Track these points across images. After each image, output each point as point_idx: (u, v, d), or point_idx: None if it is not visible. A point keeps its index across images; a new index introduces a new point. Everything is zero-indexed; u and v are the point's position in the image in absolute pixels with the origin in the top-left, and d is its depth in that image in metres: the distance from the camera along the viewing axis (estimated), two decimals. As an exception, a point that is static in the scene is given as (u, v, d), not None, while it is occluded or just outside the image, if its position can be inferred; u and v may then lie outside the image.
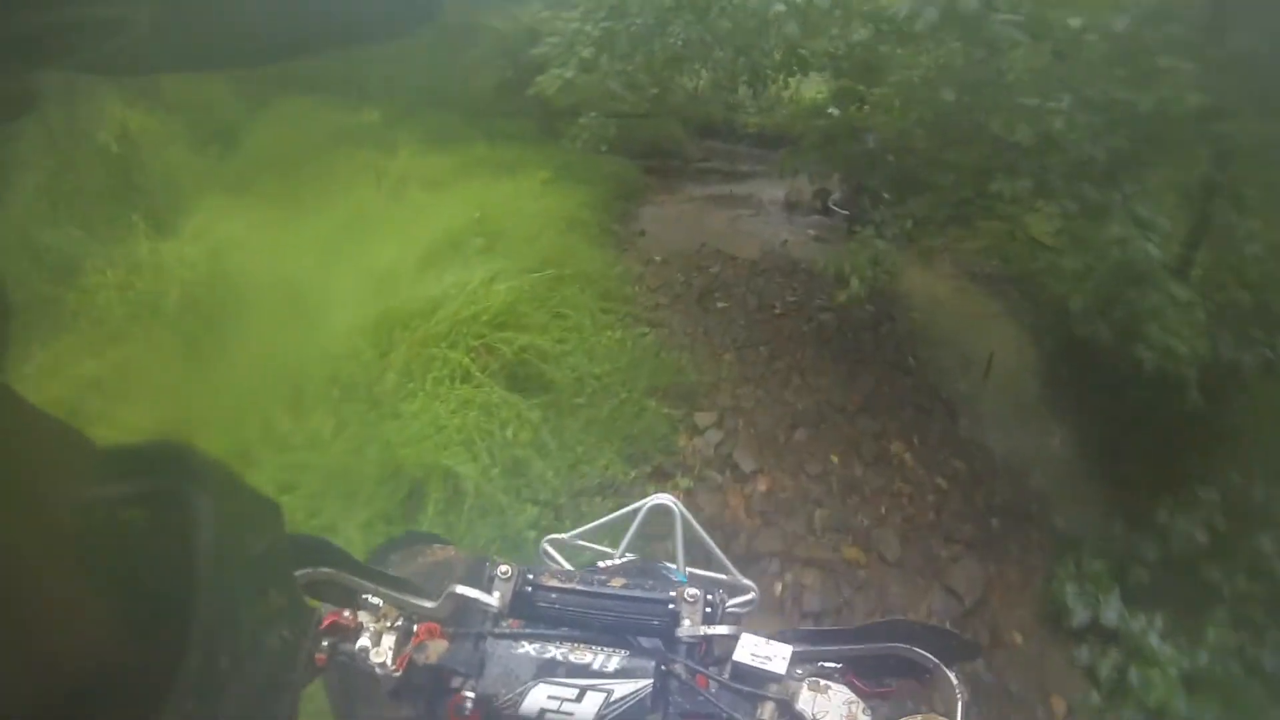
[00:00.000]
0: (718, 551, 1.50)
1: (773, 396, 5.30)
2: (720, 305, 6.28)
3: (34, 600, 0.35)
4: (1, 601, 0.34)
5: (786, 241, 7.74)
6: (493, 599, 1.04)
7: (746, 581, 1.51)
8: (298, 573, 0.95)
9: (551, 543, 1.57)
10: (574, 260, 5.97)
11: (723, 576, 1.51)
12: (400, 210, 6.37)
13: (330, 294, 4.93)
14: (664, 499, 1.46)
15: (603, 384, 4.97)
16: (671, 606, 1.05)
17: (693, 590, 1.05)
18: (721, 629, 1.05)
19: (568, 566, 1.51)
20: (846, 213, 7.74)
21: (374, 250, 5.43)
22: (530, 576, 1.08)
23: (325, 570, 0.99)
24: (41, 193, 5.63)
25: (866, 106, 6.22)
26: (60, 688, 0.36)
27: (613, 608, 1.05)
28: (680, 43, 6.30)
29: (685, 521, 1.43)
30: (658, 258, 7.03)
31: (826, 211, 8.40)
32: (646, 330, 5.73)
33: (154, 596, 0.41)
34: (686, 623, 1.03)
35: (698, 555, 1.49)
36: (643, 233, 7.74)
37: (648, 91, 8.28)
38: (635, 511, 1.47)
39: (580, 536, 1.58)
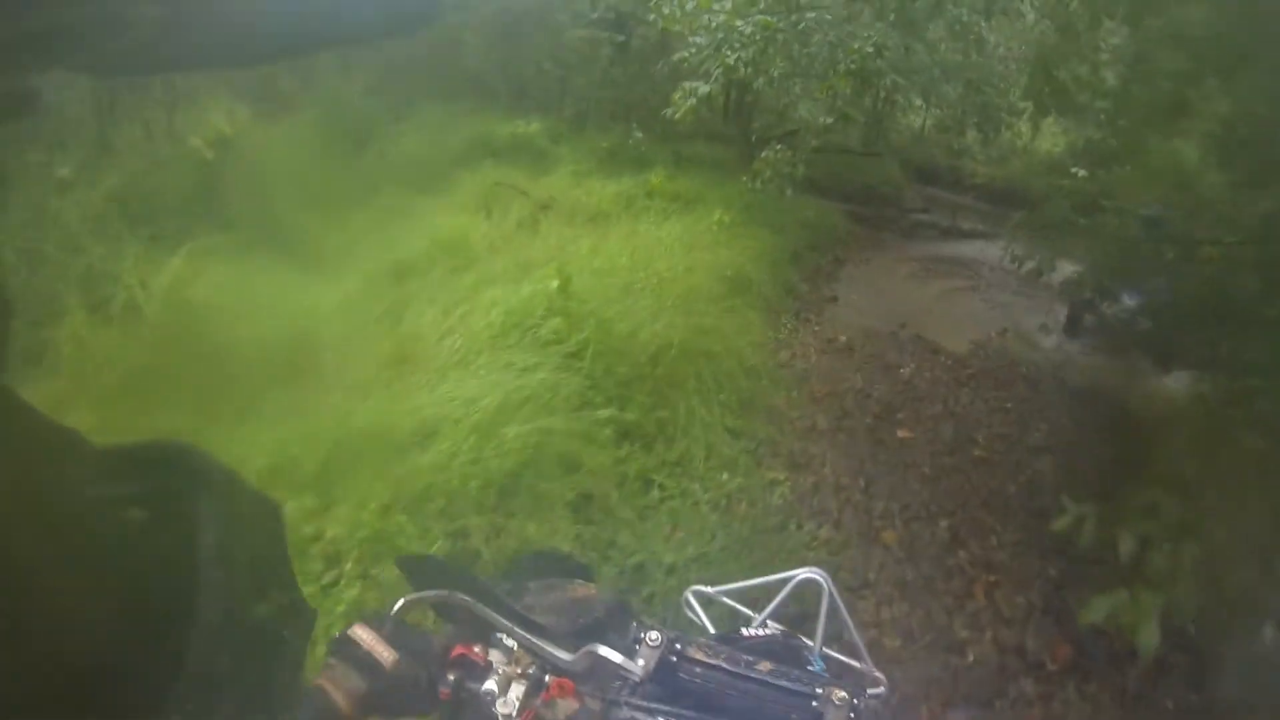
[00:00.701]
0: (856, 637, 1.47)
1: (934, 624, 3.15)
2: (901, 435, 4.47)
3: (36, 598, 0.36)
4: (3, 600, 0.34)
5: (1007, 331, 6.01)
6: (636, 666, 0.97)
7: (879, 674, 1.43)
8: (432, 593, 1.00)
9: (695, 594, 1.54)
10: (718, 339, 4.58)
11: (856, 664, 1.47)
12: (523, 246, 5.31)
13: (332, 374, 3.75)
14: (815, 573, 1.43)
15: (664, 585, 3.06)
16: (815, 705, 0.98)
17: (841, 694, 0.98)
18: None
19: (708, 623, 1.51)
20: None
21: (428, 308, 4.23)
22: (678, 646, 1.01)
23: (463, 598, 0.99)
24: (112, 199, 4.93)
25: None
26: (62, 684, 0.37)
27: (756, 694, 1.00)
28: (872, 48, 4.99)
29: (831, 601, 1.40)
30: (842, 338, 5.55)
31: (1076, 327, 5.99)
32: (781, 477, 3.85)
33: (155, 595, 0.41)
34: None
35: (835, 635, 1.44)
36: (834, 299, 6.32)
37: (856, 121, 7.19)
38: (785, 581, 1.44)
39: (725, 594, 1.55)
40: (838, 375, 5.03)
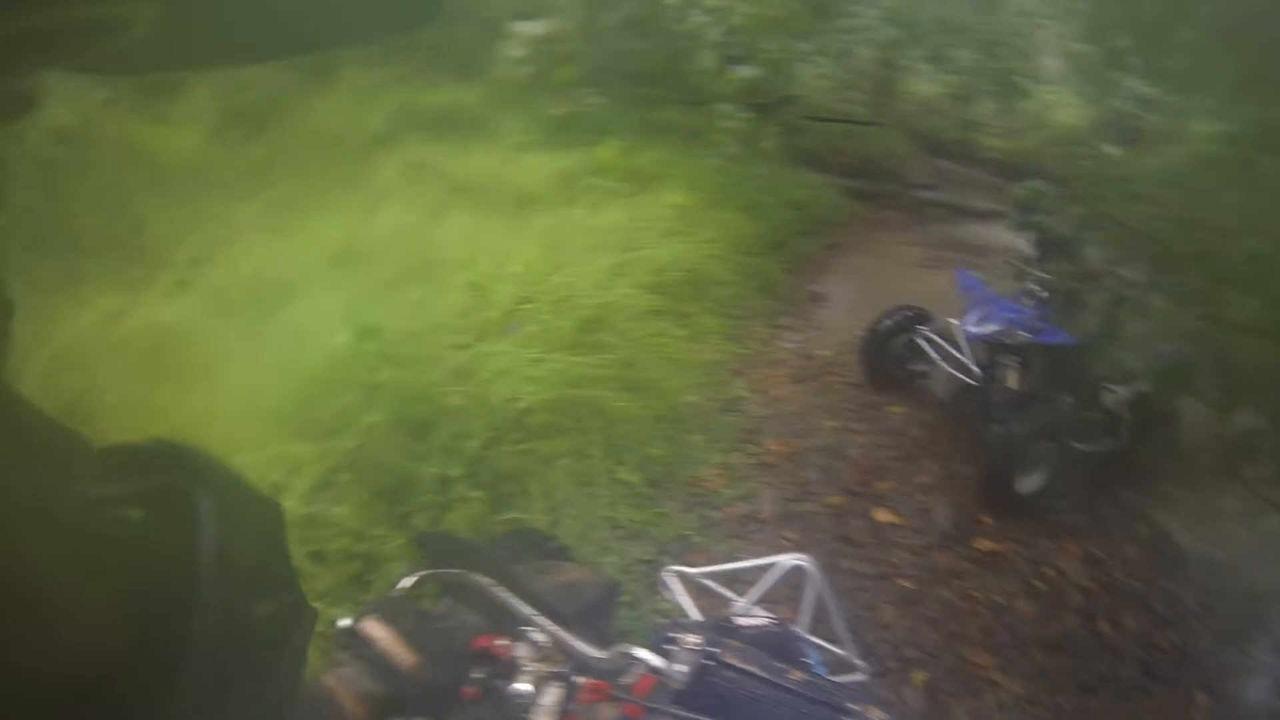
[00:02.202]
0: (842, 624, 1.44)
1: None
2: (880, 518, 3.27)
3: (34, 600, 0.35)
4: (2, 601, 0.34)
5: None
6: (675, 673, 0.94)
7: (859, 662, 1.43)
8: (447, 570, 1.01)
9: (674, 575, 1.47)
10: (634, 379, 3.52)
11: (838, 650, 1.42)
12: (419, 247, 4.24)
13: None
14: (803, 560, 1.42)
15: None
16: None
17: (880, 715, 0.96)
18: None
19: (689, 606, 1.43)
20: None
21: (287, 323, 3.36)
22: (715, 651, 0.98)
23: (480, 579, 0.97)
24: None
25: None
26: (60, 687, 0.36)
27: (791, 706, 0.96)
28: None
29: (817, 587, 1.41)
30: (823, 354, 4.42)
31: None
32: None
33: (154, 596, 0.40)
34: None
35: (817, 621, 1.41)
36: (822, 297, 5.19)
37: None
38: (770, 567, 1.43)
39: (707, 576, 1.50)
40: (804, 420, 3.86)
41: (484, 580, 0.97)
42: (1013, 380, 3.55)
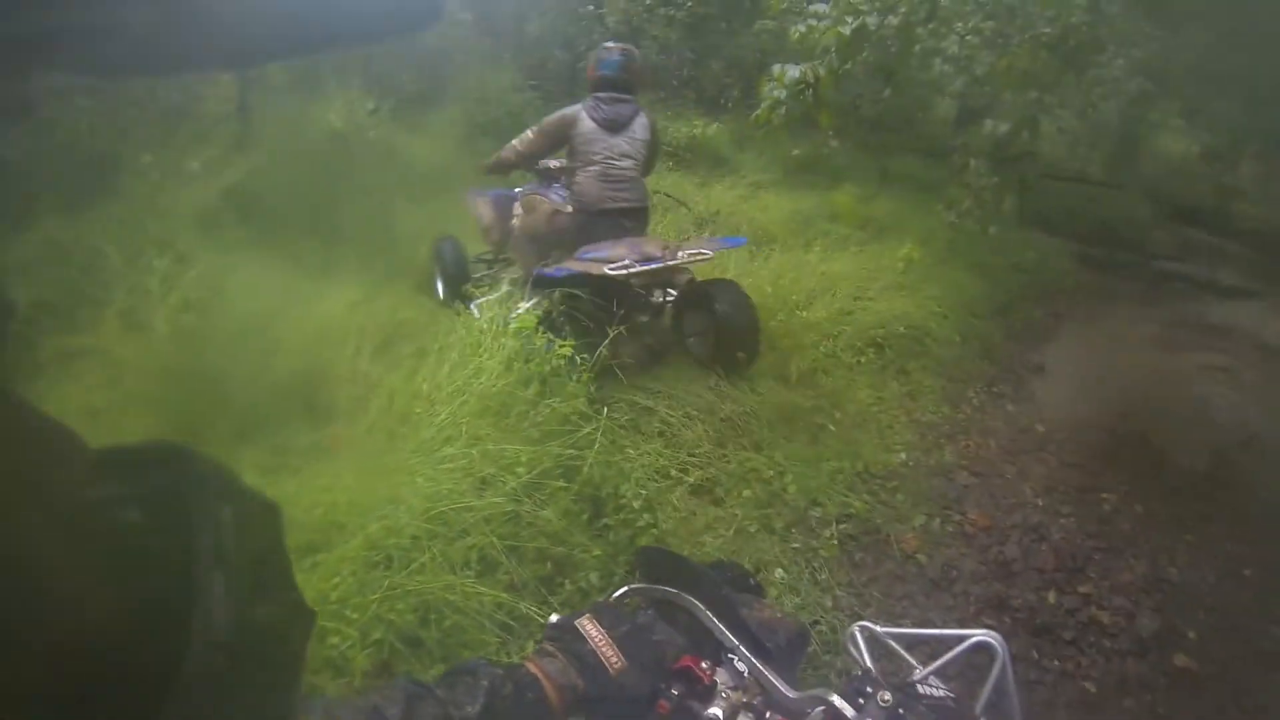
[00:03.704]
0: (1018, 715, 1.29)
1: None
2: (1077, 613, 3.07)
3: (32, 600, 0.35)
4: None
5: (1252, 442, 4.37)
6: None
7: None
8: (660, 588, 1.03)
9: (862, 631, 1.37)
10: (856, 423, 3.62)
11: None
12: None
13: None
14: (994, 639, 1.33)
15: None
16: None
17: None
18: None
19: (869, 663, 1.29)
20: None
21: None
22: (903, 713, 0.96)
23: (690, 600, 0.99)
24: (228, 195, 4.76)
25: None
26: (56, 689, 0.36)
27: None
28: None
29: (1002, 671, 1.29)
30: (1037, 427, 4.29)
31: None
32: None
33: (151, 599, 0.40)
34: None
35: (992, 706, 1.28)
36: (1041, 368, 5.08)
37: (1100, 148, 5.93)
38: (958, 639, 1.36)
39: (894, 637, 1.42)
40: (1011, 495, 3.75)
41: (694, 602, 0.99)
42: None
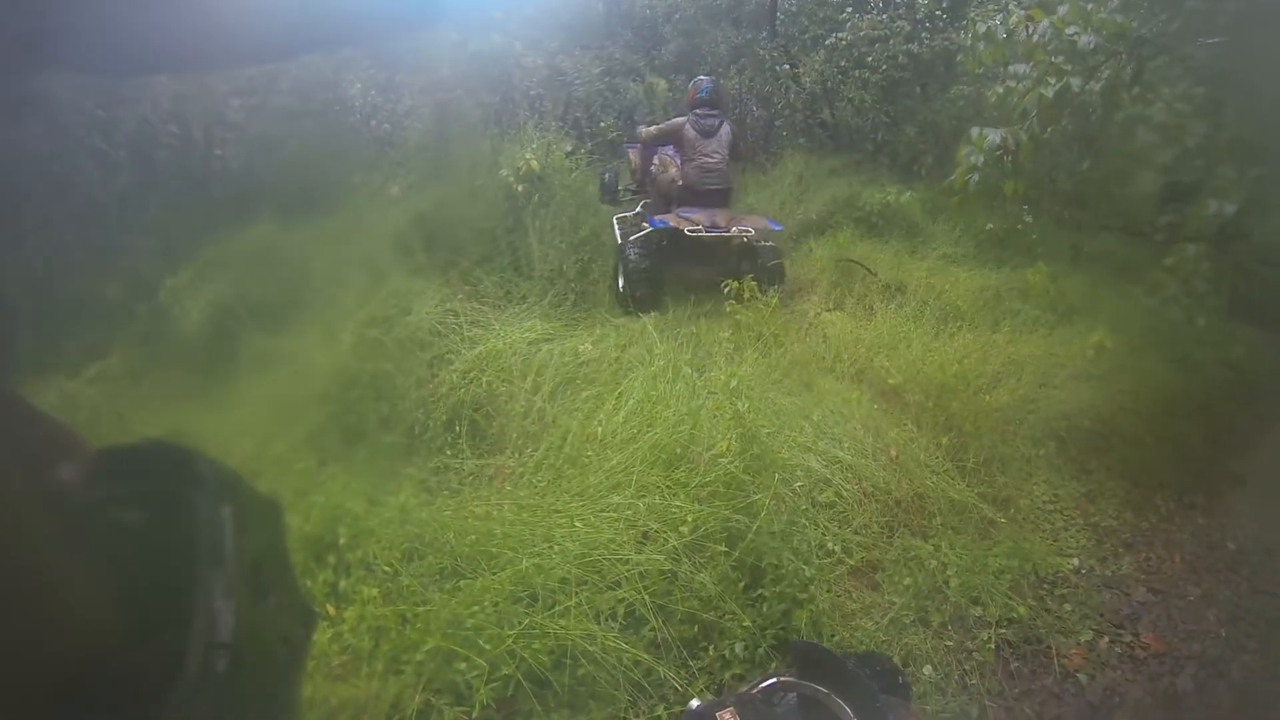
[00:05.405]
0: None
1: None
2: None
3: (33, 600, 0.36)
4: (1, 602, 0.34)
5: None
6: None
7: None
8: (811, 686, 0.95)
9: None
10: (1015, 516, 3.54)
11: None
12: (849, 339, 4.65)
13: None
14: None
15: None
16: None
17: None
18: None
19: None
20: None
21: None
22: None
23: (837, 703, 0.93)
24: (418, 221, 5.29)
25: None
26: (59, 687, 0.36)
27: None
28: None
29: None
30: (1229, 545, 3.97)
31: None
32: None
33: (153, 596, 0.41)
34: None
35: None
36: (1239, 478, 4.68)
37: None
38: None
39: None
40: (1192, 619, 3.48)
41: (844, 707, 0.93)
42: None
